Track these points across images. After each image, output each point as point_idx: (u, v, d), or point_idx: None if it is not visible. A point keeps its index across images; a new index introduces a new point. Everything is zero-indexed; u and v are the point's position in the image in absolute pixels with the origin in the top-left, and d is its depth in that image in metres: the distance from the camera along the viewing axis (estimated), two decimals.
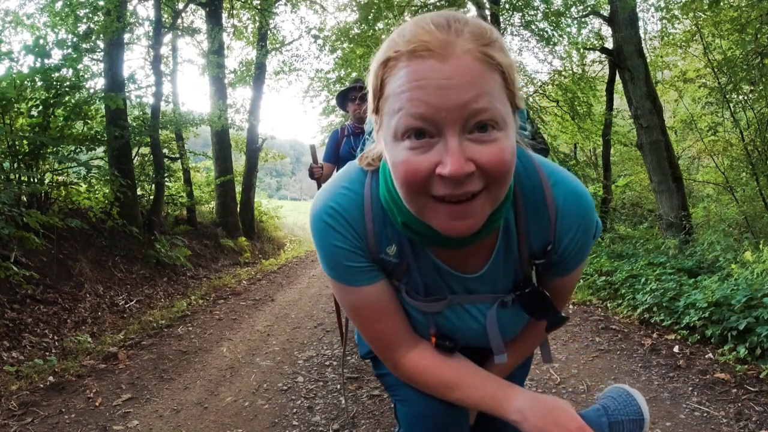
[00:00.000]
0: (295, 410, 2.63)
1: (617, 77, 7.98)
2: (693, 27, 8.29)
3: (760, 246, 4.52)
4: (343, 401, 2.72)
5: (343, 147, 3.43)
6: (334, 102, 12.57)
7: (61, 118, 5.36)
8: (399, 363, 0.91)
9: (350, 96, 3.43)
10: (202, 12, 10.89)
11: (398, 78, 0.66)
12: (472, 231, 0.71)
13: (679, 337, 3.57)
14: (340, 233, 0.82)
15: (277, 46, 13.37)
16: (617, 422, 0.85)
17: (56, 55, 5.05)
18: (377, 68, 0.70)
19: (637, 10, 7.53)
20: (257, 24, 12.22)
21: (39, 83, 4.85)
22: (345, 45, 10.72)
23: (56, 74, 4.91)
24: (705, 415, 2.44)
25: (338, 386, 2.93)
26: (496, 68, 0.66)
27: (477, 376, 0.89)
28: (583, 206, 0.84)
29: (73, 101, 5.35)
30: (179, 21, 9.56)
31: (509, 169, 0.68)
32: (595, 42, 9.40)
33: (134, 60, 20.67)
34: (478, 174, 0.66)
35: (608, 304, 4.78)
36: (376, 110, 0.73)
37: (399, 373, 0.93)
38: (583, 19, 8.45)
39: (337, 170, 3.35)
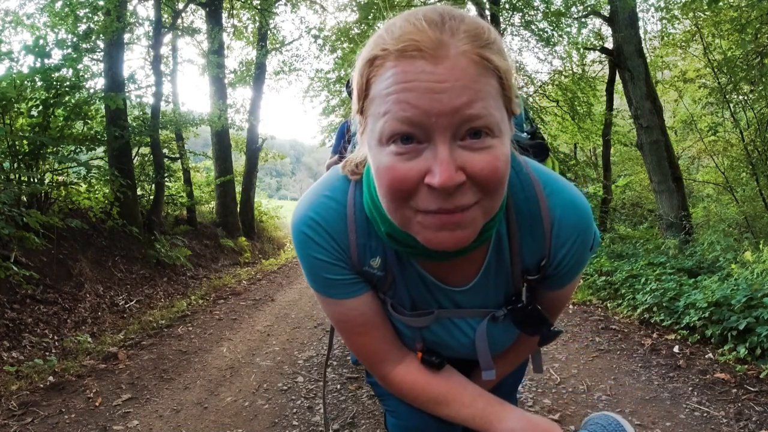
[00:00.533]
0: (295, 410, 2.63)
1: (617, 77, 7.99)
2: (693, 27, 8.29)
3: (760, 246, 4.52)
4: (323, 411, 2.72)
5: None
6: (334, 102, 12.58)
7: (61, 118, 5.36)
8: (387, 377, 0.88)
9: None
10: (202, 12, 10.90)
11: (385, 79, 0.60)
12: (462, 246, 0.65)
13: (679, 337, 3.57)
14: (321, 245, 0.77)
15: (277, 46, 13.37)
16: None
17: (56, 55, 5.06)
18: (362, 66, 0.64)
19: (637, 10, 7.53)
20: (257, 24, 12.22)
21: (39, 83, 4.85)
22: (345, 45, 10.73)
23: (56, 74, 4.91)
24: (705, 415, 2.44)
25: (338, 386, 2.93)
26: (493, 72, 0.61)
27: (467, 392, 0.86)
28: (581, 218, 0.79)
29: (73, 101, 5.35)
30: (179, 21, 9.56)
31: (503, 178, 0.63)
32: (595, 42, 9.41)
33: (134, 60, 20.69)
34: (470, 184, 0.61)
35: (608, 304, 4.78)
36: (361, 111, 0.67)
37: (387, 386, 0.90)
38: (583, 19, 8.46)
39: None
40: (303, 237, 0.78)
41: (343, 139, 3.33)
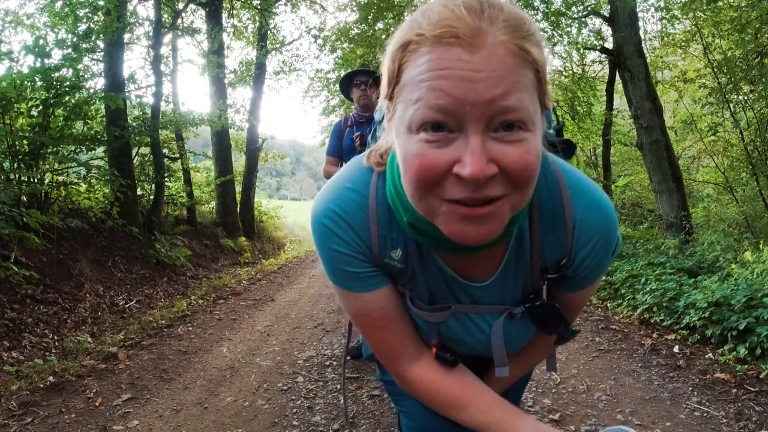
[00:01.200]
0: (295, 410, 2.63)
1: (617, 77, 7.98)
2: (693, 27, 8.29)
3: (760, 246, 4.51)
4: (342, 400, 2.72)
5: (345, 139, 3.18)
6: (334, 102, 12.59)
7: (61, 118, 5.36)
8: (402, 375, 0.87)
9: (355, 81, 3.07)
10: (202, 12, 10.90)
11: (419, 65, 0.59)
12: (488, 240, 0.63)
13: (679, 337, 3.57)
14: (341, 238, 0.76)
15: (277, 46, 13.38)
16: None
17: (56, 55, 5.07)
18: (395, 51, 0.62)
19: (637, 10, 7.53)
20: (257, 24, 12.23)
21: (39, 83, 4.85)
22: (345, 45, 10.73)
23: (56, 74, 4.91)
24: (705, 415, 2.44)
25: (338, 386, 2.93)
26: (530, 65, 0.59)
27: (484, 398, 0.85)
28: (604, 220, 0.77)
29: (73, 101, 5.35)
30: (179, 21, 9.56)
31: (534, 173, 0.61)
32: (595, 42, 9.40)
33: (134, 60, 20.79)
34: (500, 177, 0.59)
35: (608, 304, 4.78)
36: (390, 97, 0.66)
37: (402, 384, 0.90)
38: (583, 19, 8.45)
39: (342, 164, 3.20)
40: (324, 229, 0.77)
41: (339, 138, 3.29)
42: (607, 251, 0.80)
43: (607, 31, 9.17)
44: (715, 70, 7.36)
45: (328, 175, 3.16)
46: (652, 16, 14.15)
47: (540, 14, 8.75)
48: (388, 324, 0.84)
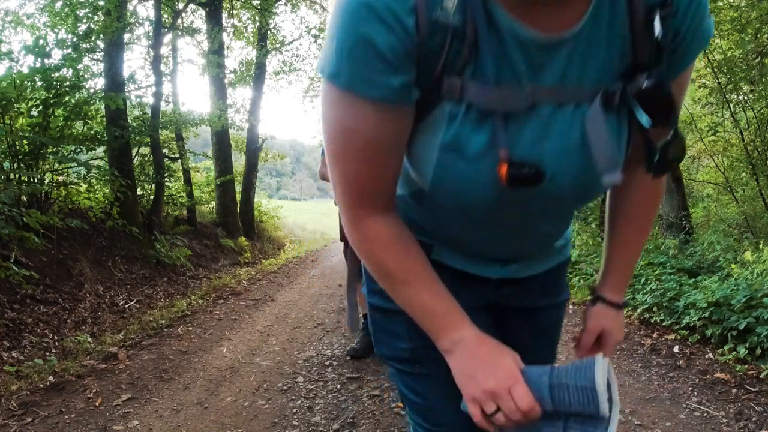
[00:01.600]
0: (295, 410, 2.63)
1: None
2: None
3: (760, 246, 4.51)
4: (362, 322, 2.72)
5: None
6: None
7: (61, 118, 5.37)
8: (362, 221, 0.72)
9: None
10: (202, 12, 10.91)
11: None
12: None
13: (679, 337, 3.57)
14: (384, 20, 0.56)
15: (277, 46, 13.39)
16: (561, 386, 0.68)
17: (56, 55, 5.08)
18: None
19: None
20: (257, 24, 12.24)
21: (39, 83, 4.86)
22: None
23: (56, 74, 4.91)
24: (705, 415, 2.44)
25: (338, 386, 2.93)
26: None
27: (436, 284, 0.73)
28: None
29: (73, 101, 5.35)
30: (179, 21, 9.57)
31: None
32: None
33: (134, 60, 20.82)
34: None
35: None
36: None
37: (356, 230, 0.73)
38: None
39: None
40: (361, 8, 0.56)
41: None
42: (705, 8, 0.65)
43: None
44: (715, 70, 7.36)
45: (324, 176, 3.18)
46: None
47: None
48: (377, 153, 0.66)
